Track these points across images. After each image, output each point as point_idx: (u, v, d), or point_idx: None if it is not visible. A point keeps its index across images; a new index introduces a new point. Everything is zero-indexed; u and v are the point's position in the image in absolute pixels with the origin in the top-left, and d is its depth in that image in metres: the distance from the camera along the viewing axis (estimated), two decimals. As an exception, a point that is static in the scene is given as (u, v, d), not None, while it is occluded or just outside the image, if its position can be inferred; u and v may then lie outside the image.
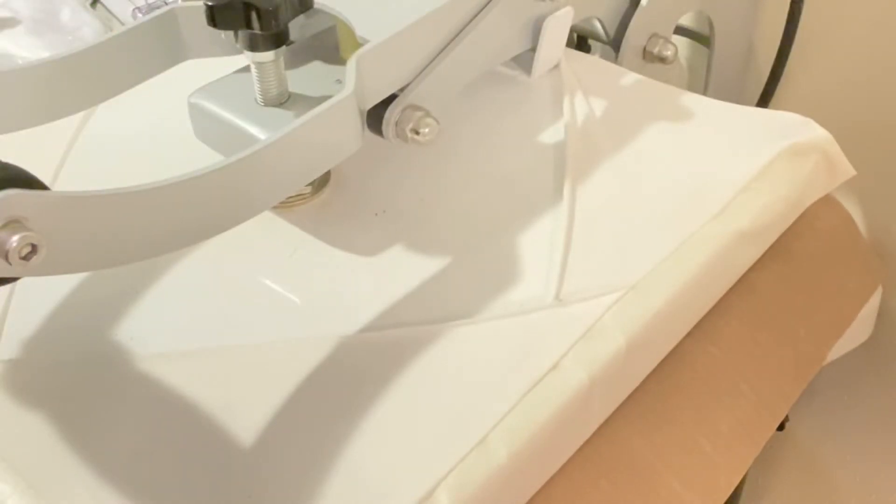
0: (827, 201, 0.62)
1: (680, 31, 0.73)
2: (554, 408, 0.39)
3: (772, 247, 0.55)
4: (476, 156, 0.52)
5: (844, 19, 0.69)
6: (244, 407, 0.39)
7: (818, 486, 0.72)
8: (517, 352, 0.41)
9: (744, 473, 0.50)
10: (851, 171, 0.55)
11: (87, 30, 0.90)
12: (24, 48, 0.90)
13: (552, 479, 0.41)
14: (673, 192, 0.49)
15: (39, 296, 0.44)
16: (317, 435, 0.38)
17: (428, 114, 0.46)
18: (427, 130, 0.46)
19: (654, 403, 0.47)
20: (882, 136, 0.69)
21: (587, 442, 0.43)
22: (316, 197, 0.49)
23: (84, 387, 0.40)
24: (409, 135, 0.46)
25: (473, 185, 0.50)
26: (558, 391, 0.39)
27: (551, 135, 0.53)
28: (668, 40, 0.70)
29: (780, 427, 0.71)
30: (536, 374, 0.39)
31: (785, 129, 0.54)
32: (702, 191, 0.50)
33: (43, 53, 0.84)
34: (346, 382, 0.40)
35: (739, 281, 0.52)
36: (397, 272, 0.45)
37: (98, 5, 0.91)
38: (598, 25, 0.68)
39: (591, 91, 0.56)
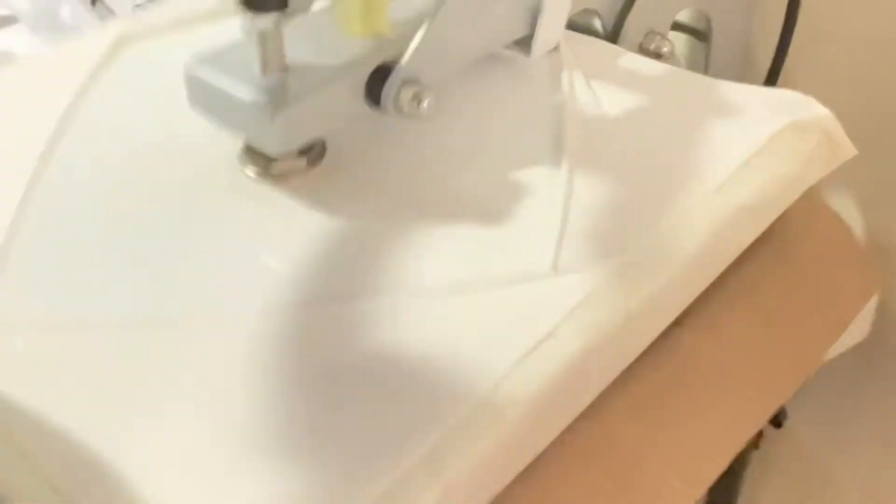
0: (823, 209, 0.62)
1: (678, 27, 0.74)
2: (550, 376, 0.38)
3: (773, 249, 0.55)
4: (474, 133, 0.52)
5: (842, 16, 0.70)
6: (236, 371, 0.38)
7: (818, 486, 0.72)
8: (513, 320, 0.40)
9: (727, 464, 0.49)
10: (853, 151, 0.55)
11: (87, 28, 0.90)
12: (24, 46, 0.90)
13: (542, 459, 0.41)
14: (672, 166, 0.49)
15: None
16: (302, 400, 0.37)
17: (427, 87, 0.46)
18: (426, 104, 0.46)
19: (647, 392, 0.46)
20: (881, 134, 0.69)
21: (578, 427, 0.42)
22: (311, 171, 0.48)
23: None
24: (409, 108, 0.46)
25: (471, 161, 0.50)
26: (555, 359, 0.39)
27: (550, 112, 0.53)
28: (664, 37, 0.70)
29: (778, 424, 0.71)
30: (533, 341, 0.39)
31: (787, 106, 0.53)
32: (702, 166, 0.49)
33: (43, 51, 0.84)
34: (337, 348, 0.39)
35: (741, 280, 0.52)
36: (392, 242, 0.44)
37: (98, 3, 0.92)
38: (595, 21, 0.69)
39: (591, 70, 0.56)
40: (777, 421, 0.70)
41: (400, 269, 0.43)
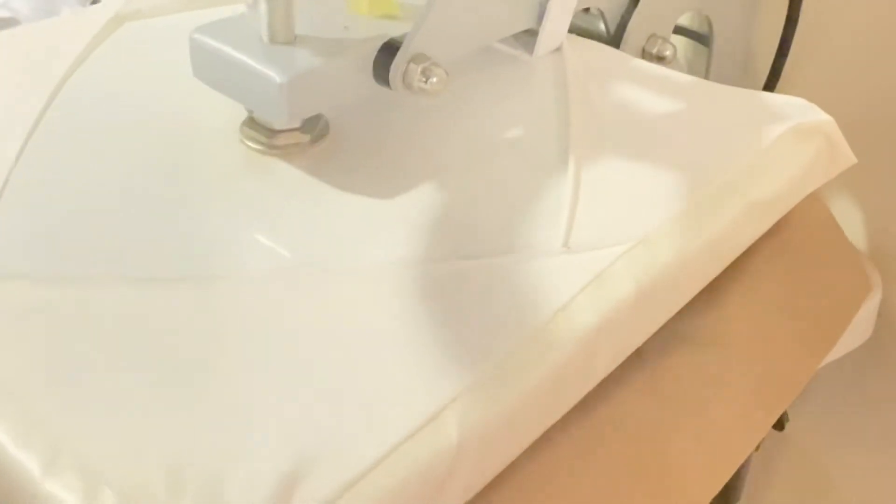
0: (820, 212, 0.62)
1: (679, 30, 0.74)
2: (562, 348, 0.38)
3: (772, 252, 0.55)
4: (478, 121, 0.52)
5: (843, 20, 0.70)
6: (235, 334, 0.38)
7: (818, 486, 0.72)
8: (526, 292, 0.40)
9: (733, 472, 0.49)
10: (853, 159, 0.56)
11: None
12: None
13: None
14: (678, 163, 0.49)
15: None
16: (317, 359, 0.37)
17: (436, 63, 0.46)
18: (436, 80, 0.46)
19: (647, 399, 0.46)
20: (881, 137, 0.69)
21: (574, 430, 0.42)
22: (314, 147, 0.48)
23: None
24: (418, 84, 0.46)
25: (476, 146, 0.50)
26: (567, 332, 0.39)
27: (554, 105, 0.53)
28: (666, 40, 0.70)
29: (781, 427, 0.71)
30: (545, 314, 0.39)
31: (789, 111, 0.54)
32: (707, 163, 0.50)
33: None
34: (345, 312, 0.39)
35: (737, 287, 0.52)
36: (398, 215, 0.44)
37: (97, 4, 0.92)
38: (598, 24, 0.69)
39: (595, 70, 0.56)
40: (779, 424, 0.69)
41: (402, 241, 0.43)
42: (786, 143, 0.52)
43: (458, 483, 0.35)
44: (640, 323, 0.43)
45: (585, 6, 0.65)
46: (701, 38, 0.75)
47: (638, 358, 0.46)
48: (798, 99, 0.55)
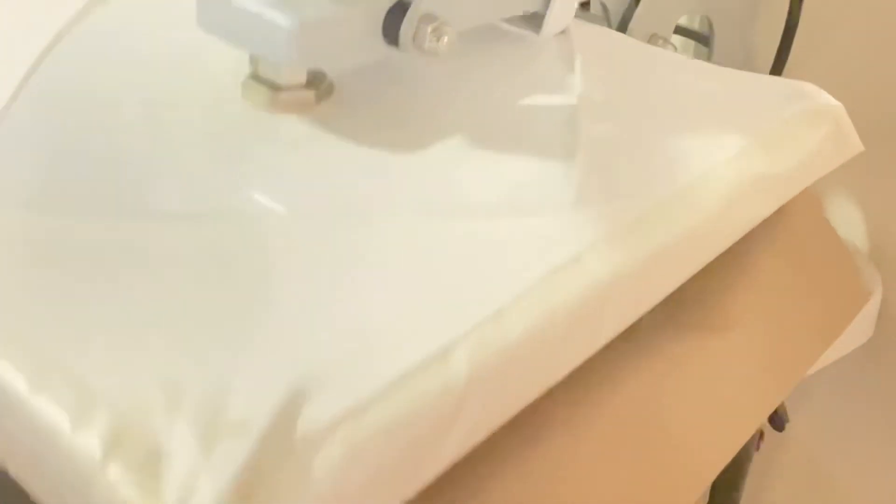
0: (817, 211, 0.63)
1: (679, 30, 0.74)
2: (572, 294, 0.38)
3: (770, 252, 0.55)
4: (487, 88, 0.52)
5: (844, 21, 0.71)
6: (239, 265, 0.37)
7: (818, 486, 0.71)
8: (537, 241, 0.40)
9: (722, 468, 0.49)
10: (860, 147, 0.56)
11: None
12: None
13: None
14: (688, 136, 0.49)
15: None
16: (325, 291, 0.36)
17: (446, 23, 0.46)
18: (446, 40, 0.45)
19: (643, 399, 0.46)
20: (881, 136, 0.69)
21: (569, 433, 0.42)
22: (318, 107, 0.48)
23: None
24: (429, 44, 0.45)
25: (483, 111, 0.49)
26: (577, 281, 0.38)
27: (562, 80, 0.53)
28: (667, 40, 0.71)
29: (781, 427, 0.70)
30: (556, 262, 0.38)
31: (799, 93, 0.54)
32: (718, 137, 0.49)
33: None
34: (354, 253, 0.38)
35: (735, 283, 0.52)
36: (404, 171, 0.44)
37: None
38: (600, 24, 0.69)
39: (602, 52, 0.57)
40: (779, 425, 0.69)
41: (409, 196, 0.43)
42: (796, 122, 0.52)
43: (463, 424, 0.34)
44: (650, 282, 0.43)
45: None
46: (701, 38, 0.75)
47: (636, 344, 0.46)
48: (807, 84, 0.55)
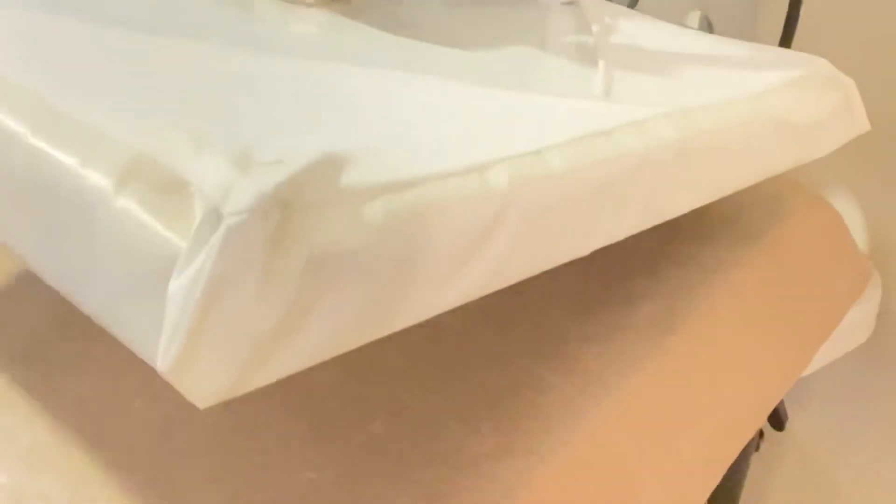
0: (815, 201, 0.62)
1: (680, 30, 0.74)
2: (607, 156, 0.38)
3: (759, 247, 0.55)
4: (508, 26, 0.54)
5: (843, 20, 0.70)
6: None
7: (818, 486, 0.71)
8: (572, 117, 0.41)
9: (720, 477, 0.49)
10: (867, 125, 0.56)
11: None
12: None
13: (537, 469, 0.40)
14: (707, 84, 0.50)
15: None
16: (372, 109, 0.38)
17: None
18: None
19: (638, 405, 0.46)
20: (881, 136, 0.69)
21: (568, 436, 0.42)
22: (336, 3, 0.50)
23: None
24: None
25: (505, 50, 0.51)
26: (611, 148, 0.39)
27: (579, 38, 0.54)
28: (667, 40, 0.71)
29: (780, 427, 0.70)
30: (591, 130, 0.39)
31: (815, 63, 0.54)
32: (740, 80, 0.51)
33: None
34: (401, 85, 0.40)
35: (725, 283, 0.52)
36: (434, 54, 0.46)
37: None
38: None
39: (614, 20, 0.57)
40: (779, 424, 0.69)
41: (449, 69, 0.45)
42: (812, 83, 0.52)
43: (504, 237, 0.34)
44: (677, 176, 0.43)
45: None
46: (701, 37, 0.75)
47: (634, 340, 0.47)
48: (821, 58, 0.55)
